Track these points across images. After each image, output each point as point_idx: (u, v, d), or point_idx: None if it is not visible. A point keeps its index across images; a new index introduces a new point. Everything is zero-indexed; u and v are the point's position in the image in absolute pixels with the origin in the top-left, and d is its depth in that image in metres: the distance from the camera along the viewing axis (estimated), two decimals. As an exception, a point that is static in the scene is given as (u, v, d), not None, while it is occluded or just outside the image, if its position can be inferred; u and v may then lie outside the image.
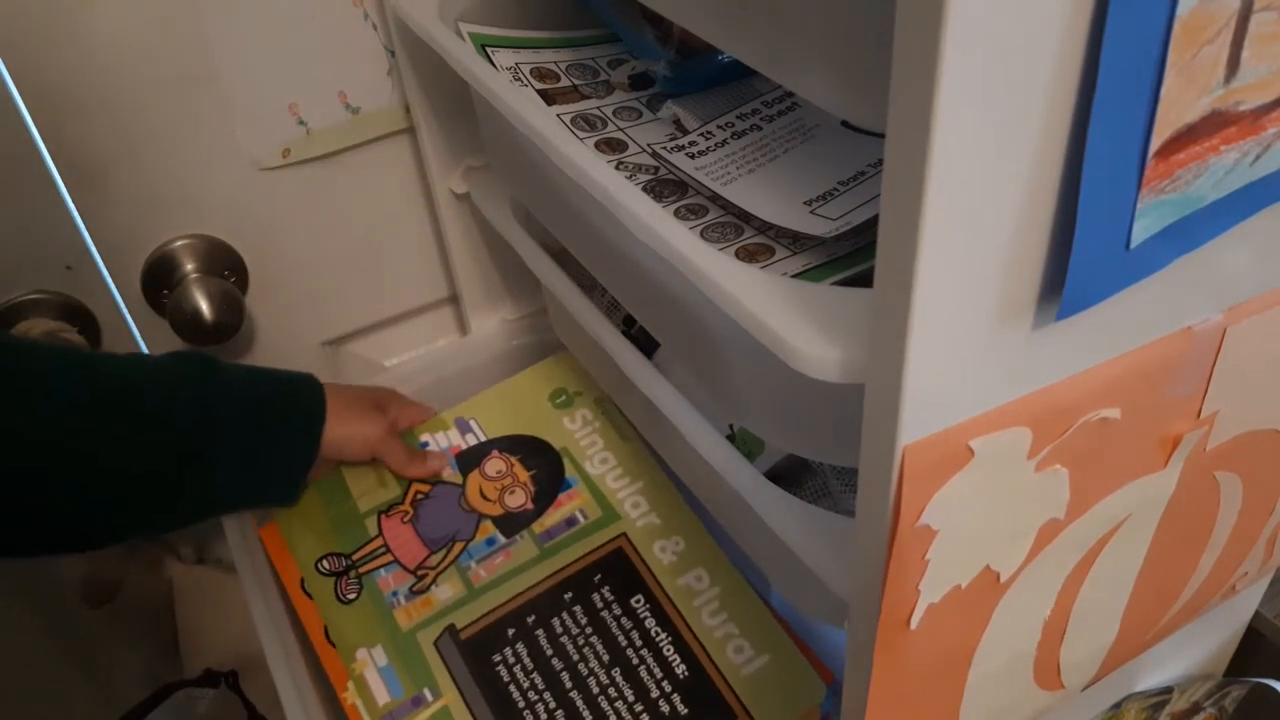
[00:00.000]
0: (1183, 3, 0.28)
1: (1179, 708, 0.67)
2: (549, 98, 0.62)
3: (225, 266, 0.76)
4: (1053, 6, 0.26)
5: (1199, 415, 0.43)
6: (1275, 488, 0.52)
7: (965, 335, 0.32)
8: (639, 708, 0.63)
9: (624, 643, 0.66)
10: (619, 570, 0.69)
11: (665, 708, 0.63)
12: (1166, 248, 0.34)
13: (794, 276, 0.48)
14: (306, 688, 0.62)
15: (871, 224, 0.45)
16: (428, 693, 0.64)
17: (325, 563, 0.69)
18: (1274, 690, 0.66)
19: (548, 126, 0.52)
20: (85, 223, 0.70)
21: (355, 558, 0.70)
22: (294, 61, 0.71)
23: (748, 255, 0.50)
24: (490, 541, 0.71)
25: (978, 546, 0.39)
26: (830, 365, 0.36)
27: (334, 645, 0.66)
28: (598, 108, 0.62)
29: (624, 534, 0.71)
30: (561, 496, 0.73)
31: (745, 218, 0.53)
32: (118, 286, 0.73)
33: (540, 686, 0.64)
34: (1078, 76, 0.28)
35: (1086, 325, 0.35)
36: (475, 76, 0.58)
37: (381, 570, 0.69)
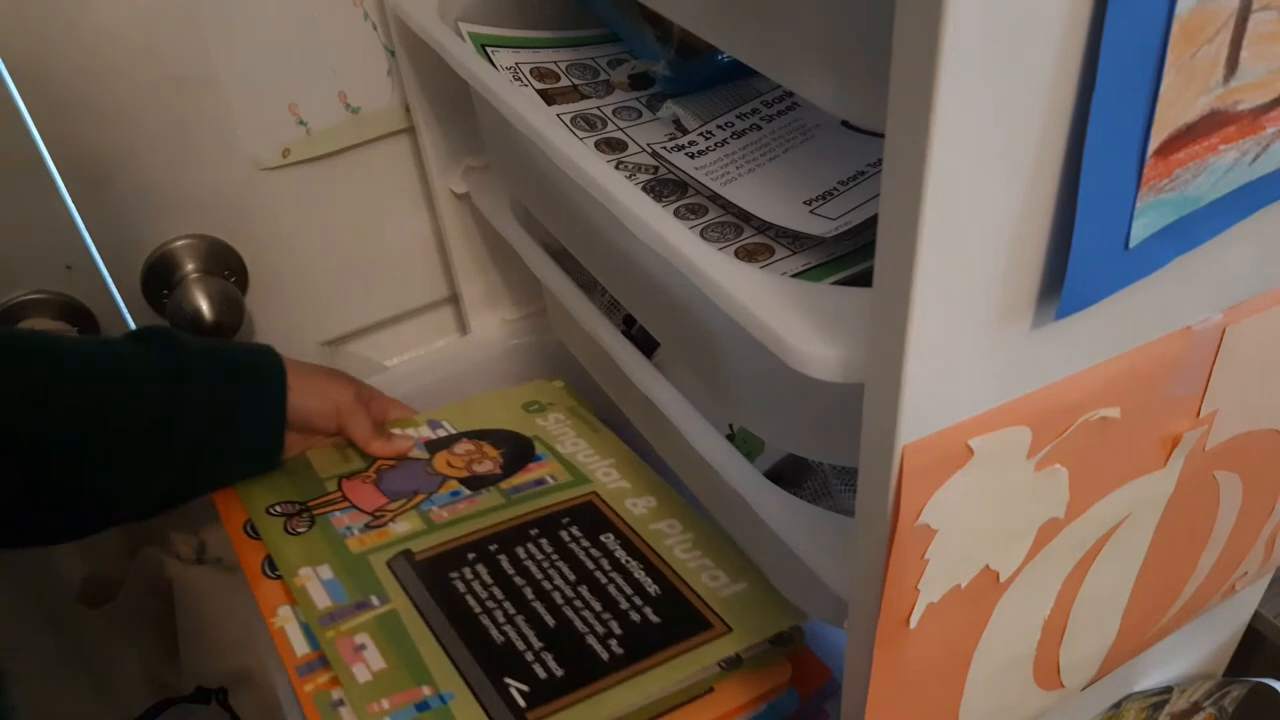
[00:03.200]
0: (1182, 2, 0.28)
1: (1179, 707, 0.67)
2: (549, 97, 0.62)
3: (225, 266, 0.76)
4: (1052, 6, 0.26)
5: (1198, 415, 0.43)
6: (1275, 487, 0.52)
7: (964, 335, 0.32)
8: (607, 616, 0.58)
9: (592, 566, 0.61)
10: (588, 517, 0.65)
11: (636, 617, 0.58)
12: (1165, 247, 0.34)
13: (794, 276, 0.48)
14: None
15: (871, 224, 0.45)
16: (374, 599, 0.58)
17: (277, 507, 0.64)
18: (1274, 690, 0.66)
19: (548, 126, 0.52)
20: (85, 222, 0.70)
21: (310, 504, 0.65)
22: (294, 62, 0.71)
23: (747, 255, 0.50)
24: (455, 494, 0.67)
25: (977, 546, 0.39)
26: (830, 365, 0.36)
27: (277, 577, 0.60)
28: (598, 107, 0.62)
29: (594, 492, 0.67)
30: (531, 465, 0.70)
31: (745, 217, 0.53)
32: (118, 286, 0.73)
33: (500, 597, 0.59)
34: (1077, 75, 0.28)
35: (1086, 325, 0.35)
36: (475, 76, 0.58)
37: (337, 513, 0.64)
